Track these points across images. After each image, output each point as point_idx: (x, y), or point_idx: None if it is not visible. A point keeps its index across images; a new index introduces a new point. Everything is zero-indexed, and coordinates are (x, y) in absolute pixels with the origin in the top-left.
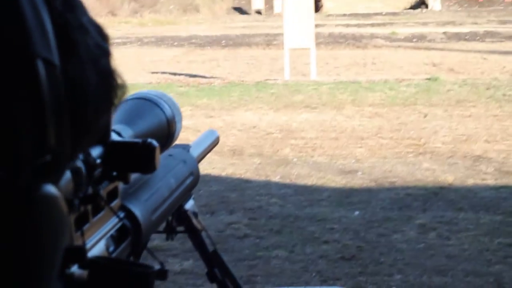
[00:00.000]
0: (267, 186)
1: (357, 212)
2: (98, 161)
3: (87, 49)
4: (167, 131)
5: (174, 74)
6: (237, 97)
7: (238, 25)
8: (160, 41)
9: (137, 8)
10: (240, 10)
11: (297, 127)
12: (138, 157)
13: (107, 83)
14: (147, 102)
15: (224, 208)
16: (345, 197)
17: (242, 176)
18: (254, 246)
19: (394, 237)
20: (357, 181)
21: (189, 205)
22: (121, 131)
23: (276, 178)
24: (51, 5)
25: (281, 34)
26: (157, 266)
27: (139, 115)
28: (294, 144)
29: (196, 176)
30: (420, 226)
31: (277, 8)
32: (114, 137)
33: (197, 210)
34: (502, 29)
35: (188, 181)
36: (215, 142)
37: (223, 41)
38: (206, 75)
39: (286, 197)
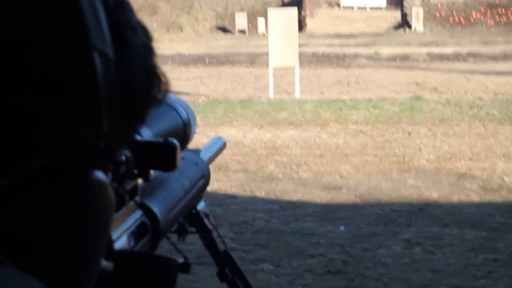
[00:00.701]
0: (252, 202)
1: (342, 227)
2: (123, 158)
3: (136, 47)
4: (183, 133)
5: None
6: (221, 114)
7: (222, 43)
8: None
9: None
10: (223, 30)
11: (281, 144)
12: (161, 156)
13: (152, 79)
14: (164, 105)
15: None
16: (330, 212)
17: (228, 192)
18: (240, 260)
19: (379, 252)
20: (342, 197)
21: (201, 206)
22: (141, 131)
23: (261, 194)
24: (107, 4)
25: (265, 53)
26: (180, 259)
27: (157, 117)
28: (278, 160)
29: (207, 179)
30: (405, 241)
31: (260, 28)
32: (136, 136)
33: (208, 211)
34: (484, 50)
35: (200, 183)
36: (223, 148)
37: (207, 59)
38: (190, 92)
39: (271, 212)
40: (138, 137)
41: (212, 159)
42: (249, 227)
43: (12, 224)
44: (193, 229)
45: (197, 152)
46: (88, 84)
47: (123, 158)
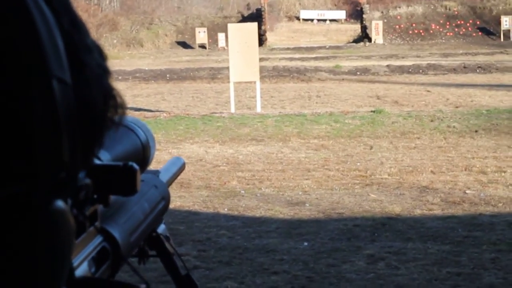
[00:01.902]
0: (215, 218)
1: (306, 243)
2: (83, 184)
3: (92, 69)
4: (142, 156)
5: None
6: (183, 130)
7: (182, 59)
8: None
9: None
10: (183, 44)
11: (243, 159)
12: (120, 180)
13: (109, 101)
14: (123, 128)
15: (172, 240)
16: (294, 228)
17: (190, 209)
18: (204, 278)
19: (343, 268)
20: (305, 212)
21: (161, 229)
22: (100, 155)
23: (224, 210)
24: (62, 27)
25: (226, 68)
26: (142, 286)
27: (115, 140)
28: (241, 176)
29: (167, 201)
30: (369, 256)
31: (221, 43)
32: (94, 160)
33: (168, 234)
34: (444, 62)
35: (160, 206)
36: (182, 168)
37: (168, 75)
38: (152, 108)
39: (234, 229)
40: (97, 161)
41: (171, 180)
42: (213, 244)
43: None
44: (154, 253)
45: (156, 173)
46: (48, 112)
47: (83, 184)
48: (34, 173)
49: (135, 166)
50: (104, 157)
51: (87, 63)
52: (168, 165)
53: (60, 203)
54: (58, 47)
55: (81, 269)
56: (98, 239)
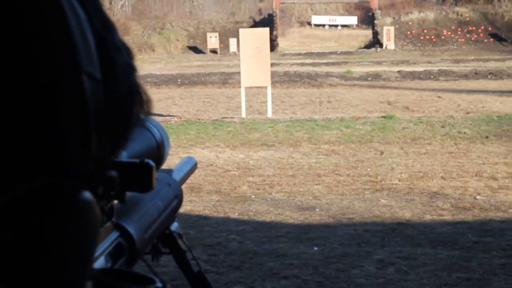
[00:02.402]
0: (225, 223)
1: (316, 248)
2: (109, 176)
3: (121, 67)
4: (157, 154)
5: None
6: (194, 135)
7: (194, 64)
8: None
9: None
10: (195, 49)
11: (254, 164)
12: (137, 177)
13: (136, 97)
14: (138, 127)
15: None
16: (304, 233)
17: (201, 213)
18: (214, 282)
19: (353, 272)
20: (315, 217)
21: (174, 226)
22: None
23: (234, 215)
24: (93, 25)
25: (237, 73)
26: (158, 282)
27: (131, 138)
28: (251, 181)
29: (180, 199)
30: (378, 261)
31: (232, 48)
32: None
33: (181, 232)
34: (455, 68)
35: (173, 204)
36: (194, 168)
37: (179, 80)
38: (163, 113)
39: (244, 234)
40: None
41: (184, 179)
42: (223, 249)
43: (2, 245)
44: (167, 250)
45: (169, 172)
46: (78, 107)
47: (110, 176)
48: (64, 165)
49: (152, 163)
50: (121, 155)
51: (116, 61)
52: (180, 164)
53: (87, 195)
54: (89, 44)
55: (98, 263)
56: (115, 235)
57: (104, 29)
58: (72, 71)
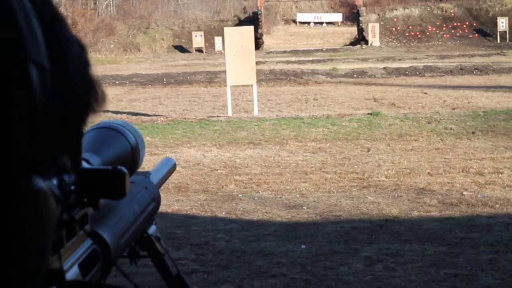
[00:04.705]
0: (213, 222)
1: (303, 246)
2: (72, 187)
3: (71, 59)
4: (131, 159)
5: (116, 112)
6: (180, 134)
7: (179, 63)
8: (101, 80)
9: None
10: (180, 48)
11: (241, 163)
12: (109, 184)
13: (90, 90)
14: (112, 131)
15: (170, 244)
16: (291, 231)
17: (188, 213)
18: (202, 282)
19: (341, 270)
20: (303, 215)
21: (152, 230)
22: (90, 159)
23: (222, 214)
24: (42, 16)
25: (223, 72)
26: None
27: (105, 143)
28: (238, 180)
29: (157, 202)
30: (366, 258)
31: (218, 46)
32: (84, 164)
33: (159, 235)
34: (441, 64)
35: (150, 207)
36: (173, 169)
37: (165, 79)
38: (149, 113)
39: (232, 232)
40: (86, 165)
41: (162, 181)
42: (210, 248)
43: None
44: (145, 253)
45: (146, 175)
46: (24, 94)
47: (73, 187)
48: (11, 152)
49: (124, 170)
50: (94, 161)
51: (66, 52)
52: (158, 166)
53: (40, 182)
54: (36, 34)
55: (72, 273)
56: (88, 242)
57: (53, 22)
58: (18, 60)
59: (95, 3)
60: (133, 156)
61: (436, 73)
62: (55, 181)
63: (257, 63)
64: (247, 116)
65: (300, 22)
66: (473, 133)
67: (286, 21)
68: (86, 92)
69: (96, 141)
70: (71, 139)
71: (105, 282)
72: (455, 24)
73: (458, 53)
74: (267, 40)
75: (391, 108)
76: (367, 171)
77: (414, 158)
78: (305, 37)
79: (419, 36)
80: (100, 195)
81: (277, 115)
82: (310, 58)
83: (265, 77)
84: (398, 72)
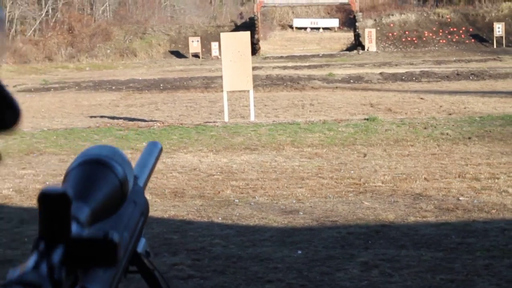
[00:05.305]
0: (209, 227)
1: (299, 251)
2: (63, 274)
3: None
4: (120, 194)
5: (113, 118)
6: (177, 139)
7: (176, 68)
8: (98, 85)
9: (74, 53)
10: (177, 54)
11: (237, 168)
12: (100, 254)
13: (4, 107)
14: (99, 167)
15: (167, 249)
16: (288, 236)
17: (184, 218)
18: (198, 287)
19: (337, 275)
20: (299, 220)
21: (141, 245)
22: (78, 213)
23: (218, 219)
24: None
25: (219, 77)
26: None
27: (93, 186)
28: (235, 185)
29: (147, 213)
30: (362, 264)
31: (214, 52)
32: (74, 227)
33: (148, 248)
34: (437, 69)
35: (140, 224)
36: (159, 155)
37: (161, 85)
38: (145, 118)
39: (228, 238)
40: (76, 231)
41: (150, 175)
42: (207, 253)
43: None
44: (135, 268)
45: (134, 179)
46: None
47: (63, 275)
48: None
49: (115, 237)
50: (83, 215)
51: None
52: (144, 157)
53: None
54: None
55: None
56: None
57: None
58: None
59: (91, 9)
60: (121, 190)
61: (433, 78)
62: (44, 269)
63: (254, 68)
64: (244, 121)
65: (296, 28)
66: (469, 138)
67: (283, 27)
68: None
69: (84, 184)
70: None
71: None
72: (451, 29)
73: (454, 58)
74: (263, 46)
75: (387, 113)
76: (363, 177)
77: (411, 163)
78: (301, 43)
79: (415, 41)
80: (91, 264)
81: (274, 121)
82: (307, 64)
83: (261, 83)
84: (395, 77)
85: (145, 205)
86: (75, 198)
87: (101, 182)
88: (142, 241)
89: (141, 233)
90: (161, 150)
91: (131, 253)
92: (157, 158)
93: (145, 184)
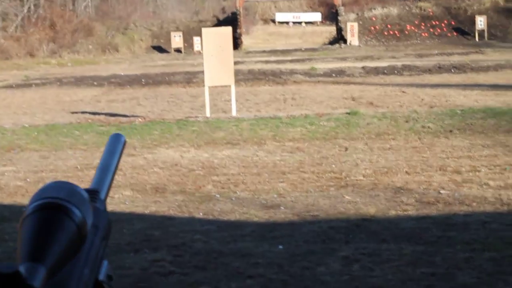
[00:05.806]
0: (190, 223)
1: (280, 246)
2: None
3: None
4: (78, 240)
5: (95, 113)
6: (158, 135)
7: (158, 63)
8: (80, 81)
9: (56, 49)
10: (159, 49)
11: (219, 163)
12: None
13: None
14: (56, 214)
15: (147, 245)
16: (269, 231)
17: (165, 214)
18: (179, 283)
19: (318, 270)
20: (280, 215)
21: (103, 273)
22: (32, 278)
23: (199, 215)
24: None
25: (201, 72)
26: None
27: (49, 240)
28: (216, 180)
29: (108, 232)
30: (343, 258)
31: (196, 46)
32: None
33: (111, 272)
34: (419, 62)
35: (101, 251)
36: (123, 149)
37: (143, 80)
38: (127, 114)
39: (209, 233)
40: None
41: (113, 178)
42: (188, 249)
43: None
44: None
45: (95, 194)
46: None
47: None
48: None
49: (21, 273)
50: (39, 277)
51: None
52: (105, 160)
53: None
54: None
55: None
56: None
57: None
58: None
59: (73, 5)
60: (79, 236)
61: (415, 71)
62: None
63: (236, 63)
64: (225, 116)
65: (279, 22)
66: (450, 131)
67: (265, 21)
68: None
69: (38, 241)
70: None
71: None
72: (433, 23)
73: (436, 51)
74: (246, 40)
75: (369, 107)
76: (344, 171)
77: (392, 157)
78: (284, 37)
79: (397, 35)
80: None
81: (255, 115)
82: (289, 58)
83: (243, 77)
84: (377, 71)
85: (107, 225)
86: (30, 260)
87: (58, 233)
88: (104, 265)
89: (103, 258)
90: (125, 143)
91: (93, 283)
92: (121, 154)
93: (107, 193)
